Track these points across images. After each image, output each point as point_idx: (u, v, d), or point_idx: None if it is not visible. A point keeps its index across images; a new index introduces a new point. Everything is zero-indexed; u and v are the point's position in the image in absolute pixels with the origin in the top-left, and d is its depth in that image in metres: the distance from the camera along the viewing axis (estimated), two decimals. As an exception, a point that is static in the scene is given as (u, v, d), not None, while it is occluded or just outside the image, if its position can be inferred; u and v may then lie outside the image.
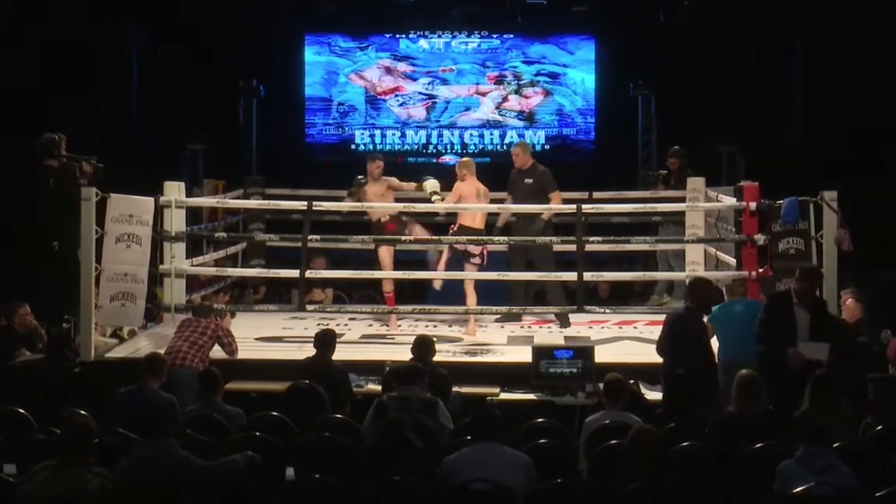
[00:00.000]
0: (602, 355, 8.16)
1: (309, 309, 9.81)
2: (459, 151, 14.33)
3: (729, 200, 9.73)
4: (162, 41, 13.47)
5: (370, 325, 9.98)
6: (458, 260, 9.66)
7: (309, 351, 7.88)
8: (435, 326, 9.88)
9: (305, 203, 9.64)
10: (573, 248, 9.38)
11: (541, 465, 5.59)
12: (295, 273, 9.39)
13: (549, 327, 9.91)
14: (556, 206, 9.87)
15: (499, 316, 9.96)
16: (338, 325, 9.60)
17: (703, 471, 5.63)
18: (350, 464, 5.84)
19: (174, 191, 9.61)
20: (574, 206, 9.49)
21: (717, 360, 7.51)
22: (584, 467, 6.16)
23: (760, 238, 9.11)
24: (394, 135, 14.77)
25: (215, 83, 13.67)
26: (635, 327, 9.90)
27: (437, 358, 7.69)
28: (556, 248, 10.06)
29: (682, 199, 10.45)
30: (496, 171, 10.67)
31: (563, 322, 9.82)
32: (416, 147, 14.73)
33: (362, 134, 14.79)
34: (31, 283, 8.95)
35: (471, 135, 14.73)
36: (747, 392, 6.32)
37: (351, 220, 10.90)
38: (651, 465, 5.34)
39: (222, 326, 8.44)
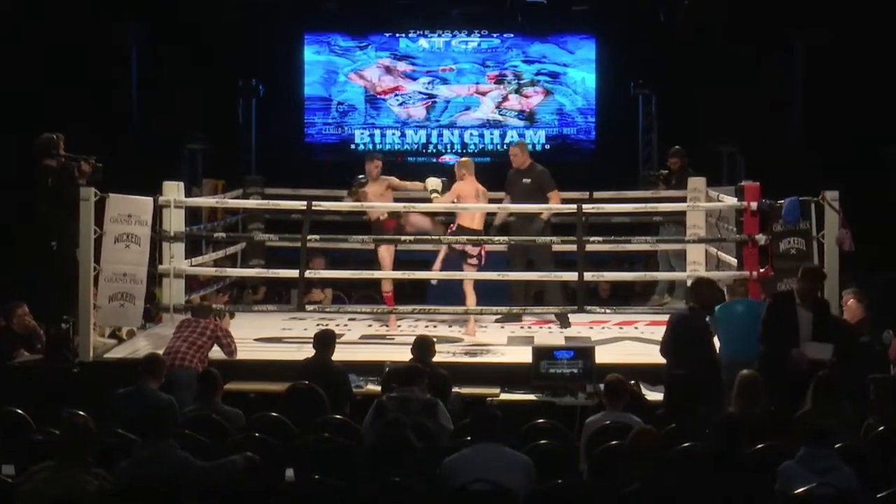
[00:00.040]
0: (602, 356, 8.14)
1: (308, 309, 9.79)
2: (459, 151, 14.31)
3: (730, 200, 9.71)
4: (161, 41, 13.46)
5: (370, 326, 9.96)
6: (457, 260, 9.64)
7: (308, 351, 7.87)
8: (435, 327, 9.87)
9: (305, 203, 9.62)
10: (574, 248, 9.36)
11: (541, 466, 5.58)
12: (294, 273, 9.37)
13: (550, 328, 9.89)
14: (554, 205, 9.85)
15: (499, 316, 9.95)
16: (337, 325, 9.58)
17: (703, 472, 5.61)
18: (350, 465, 5.82)
19: (173, 191, 9.59)
20: (574, 206, 9.47)
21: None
22: (584, 468, 6.15)
23: (761, 238, 9.09)
24: (393, 134, 14.76)
25: (215, 83, 13.66)
26: (636, 327, 9.88)
27: (436, 358, 7.67)
28: (557, 248, 10.05)
29: (683, 199, 10.44)
30: (496, 170, 10.65)
31: (563, 322, 9.81)
32: (415, 147, 14.71)
33: (362, 133, 14.78)
34: (30, 283, 8.93)
35: (471, 134, 14.71)
36: (748, 392, 6.32)
37: (350, 220, 10.89)
38: (652, 465, 5.32)
39: (221, 327, 8.43)
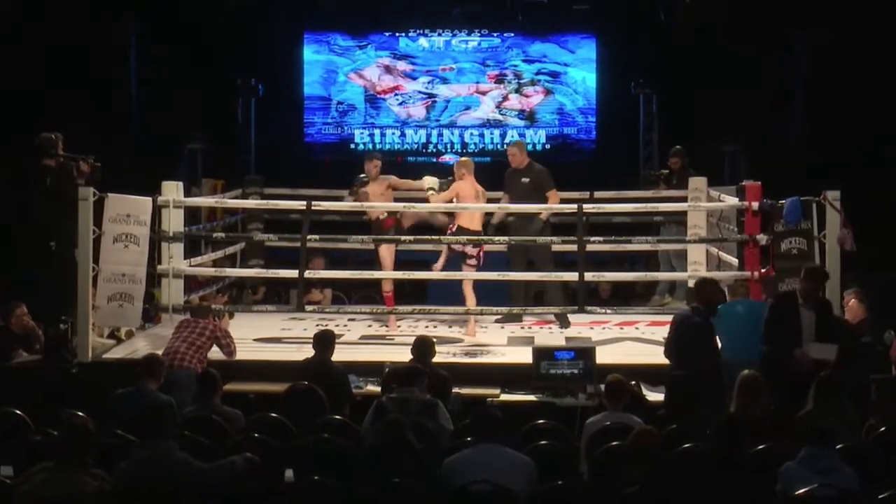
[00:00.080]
0: (603, 356, 8.12)
1: (308, 309, 9.77)
2: (459, 151, 14.30)
3: (731, 200, 9.69)
4: (161, 40, 13.45)
5: (369, 326, 9.94)
6: (456, 260, 9.62)
7: (308, 352, 7.85)
8: (435, 327, 9.85)
9: (304, 203, 9.60)
10: (574, 248, 9.34)
11: (541, 467, 5.57)
12: (294, 273, 9.35)
13: (550, 328, 9.87)
14: (554, 205, 9.83)
15: (499, 317, 9.92)
16: (337, 325, 9.56)
17: (704, 472, 5.58)
18: (349, 465, 5.81)
19: (172, 190, 9.57)
20: (575, 206, 9.44)
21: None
22: (584, 469, 6.13)
23: (763, 238, 9.08)
24: (393, 134, 14.74)
25: (214, 82, 13.65)
26: (637, 328, 9.86)
27: (436, 359, 7.66)
28: (558, 248, 10.04)
29: (684, 199, 10.42)
30: (497, 170, 10.62)
31: (563, 322, 9.78)
32: (415, 146, 14.69)
33: (361, 133, 14.76)
34: (29, 283, 8.91)
35: (471, 134, 14.69)
36: (749, 393, 6.31)
37: (350, 220, 10.87)
38: (652, 466, 5.30)
39: (220, 327, 8.41)
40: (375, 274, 10.04)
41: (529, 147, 13.75)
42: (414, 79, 14.73)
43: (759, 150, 12.60)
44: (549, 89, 14.68)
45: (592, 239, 9.52)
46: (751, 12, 13.06)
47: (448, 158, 14.03)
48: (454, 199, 9.53)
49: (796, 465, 5.36)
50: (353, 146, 14.65)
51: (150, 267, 9.08)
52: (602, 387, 6.98)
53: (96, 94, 12.45)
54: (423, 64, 14.72)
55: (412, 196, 10.09)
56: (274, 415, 6.56)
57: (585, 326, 9.79)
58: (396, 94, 14.75)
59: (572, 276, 9.34)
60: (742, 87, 13.01)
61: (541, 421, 6.59)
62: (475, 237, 9.45)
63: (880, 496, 5.20)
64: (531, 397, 7.86)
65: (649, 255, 11.63)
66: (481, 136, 14.69)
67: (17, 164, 9.35)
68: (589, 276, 9.34)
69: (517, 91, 14.69)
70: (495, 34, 14.66)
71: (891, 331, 8.23)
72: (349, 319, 10.09)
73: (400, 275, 9.97)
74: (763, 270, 9.06)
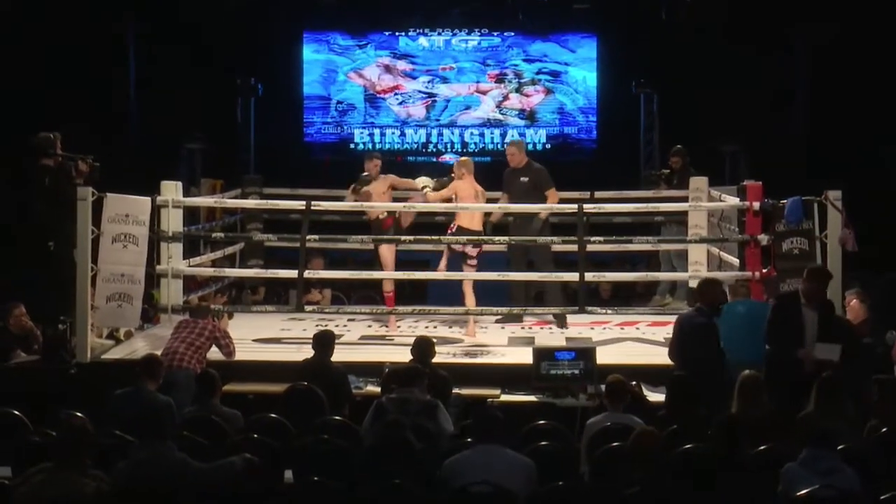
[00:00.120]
0: (604, 356, 8.10)
1: (307, 310, 9.74)
2: (459, 150, 14.30)
3: (732, 200, 9.67)
4: (160, 40, 13.44)
5: (369, 326, 9.92)
6: (456, 260, 9.59)
7: (307, 352, 7.83)
8: (435, 327, 9.82)
9: (304, 203, 9.57)
10: (575, 248, 9.31)
11: (542, 468, 5.55)
12: (293, 274, 9.33)
13: (550, 328, 9.84)
14: (553, 205, 9.80)
15: (499, 317, 9.90)
16: (336, 326, 9.54)
17: (705, 473, 5.56)
18: (349, 466, 5.80)
19: (171, 190, 9.54)
20: (576, 206, 9.42)
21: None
22: (585, 470, 6.11)
23: (764, 238, 9.05)
24: (393, 134, 14.73)
25: (213, 82, 13.64)
26: (637, 328, 9.84)
27: (436, 359, 7.64)
28: (558, 248, 10.02)
29: (685, 199, 10.40)
30: (497, 170, 10.60)
31: (560, 322, 9.75)
32: (415, 146, 14.68)
33: (361, 133, 14.74)
34: (29, 283, 8.89)
35: (471, 134, 14.68)
36: (749, 393, 6.29)
37: (350, 220, 10.85)
38: (653, 467, 5.28)
39: (219, 328, 8.39)
40: (375, 274, 10.02)
41: (530, 147, 13.79)
42: (414, 78, 14.72)
43: (760, 150, 12.58)
44: (550, 89, 14.66)
45: (593, 239, 9.50)
46: (752, 11, 13.06)
47: (448, 158, 14.02)
48: (453, 199, 9.50)
49: (797, 466, 5.34)
50: (352, 146, 14.64)
51: (149, 267, 9.06)
52: (602, 387, 6.96)
53: (96, 94, 12.47)
54: (423, 63, 14.70)
55: (410, 196, 10.06)
56: (273, 415, 6.54)
57: (586, 327, 9.77)
58: (396, 94, 14.73)
59: (573, 277, 9.31)
60: (743, 86, 13.00)
61: (541, 422, 6.57)
62: (475, 237, 9.43)
63: (882, 497, 5.18)
64: (531, 398, 7.84)
65: (650, 256, 11.61)
66: (481, 135, 14.67)
67: (16, 165, 9.33)
68: (589, 276, 9.32)
69: (517, 90, 14.67)
70: (495, 33, 14.65)
71: (892, 331, 8.21)
72: (349, 320, 10.07)
73: (400, 275, 9.95)
74: (764, 271, 9.04)
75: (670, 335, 7.80)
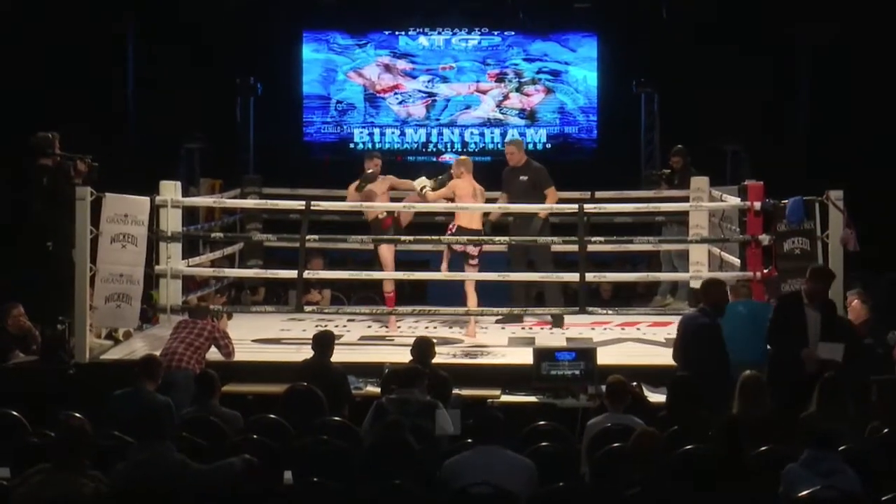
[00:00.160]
0: (604, 357, 8.08)
1: (307, 310, 9.72)
2: (459, 150, 14.28)
3: (733, 200, 9.64)
4: (159, 40, 13.43)
5: (369, 327, 9.90)
6: (457, 261, 9.57)
7: (307, 353, 7.82)
8: (435, 328, 9.81)
9: (303, 203, 9.55)
10: (575, 248, 9.29)
11: (542, 469, 5.54)
12: (292, 274, 9.31)
13: (551, 329, 9.82)
14: (553, 204, 9.78)
15: (499, 317, 9.88)
16: (336, 326, 9.53)
17: (705, 474, 5.54)
18: (349, 467, 5.79)
19: (170, 190, 9.51)
20: (576, 206, 9.40)
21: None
22: (586, 470, 6.10)
23: (765, 238, 9.03)
24: (393, 133, 14.71)
25: (213, 81, 13.63)
26: (638, 328, 9.82)
27: (436, 360, 7.62)
28: (559, 248, 9.99)
29: (686, 199, 10.38)
30: (497, 170, 10.57)
31: (556, 322, 9.72)
32: (415, 146, 14.66)
33: (361, 132, 14.72)
34: (27, 283, 8.87)
35: (471, 133, 14.66)
36: (750, 393, 6.27)
37: (349, 220, 10.83)
38: (654, 468, 5.26)
39: (218, 328, 8.37)
40: (374, 274, 10.00)
41: (530, 147, 13.77)
42: (414, 77, 14.70)
43: (761, 150, 12.57)
44: (550, 88, 14.64)
45: (594, 239, 9.47)
46: (753, 10, 13.05)
47: (448, 158, 14.00)
48: (452, 198, 9.48)
49: (799, 467, 5.32)
50: (352, 145, 14.62)
51: (147, 267, 9.04)
52: (603, 388, 6.93)
53: (96, 94, 12.46)
54: (423, 62, 14.68)
55: (407, 196, 10.03)
56: (273, 416, 6.52)
57: (586, 327, 9.75)
58: (396, 93, 14.71)
59: (573, 277, 9.29)
60: (744, 86, 12.99)
61: (541, 422, 6.55)
62: (476, 237, 9.40)
63: (883, 498, 5.17)
64: (532, 398, 7.81)
65: (651, 256, 11.59)
66: (482, 135, 14.65)
67: (16, 164, 9.31)
68: (590, 276, 9.29)
69: (518, 90, 14.65)
70: (496, 33, 14.63)
71: (894, 332, 8.21)
72: (348, 320, 10.05)
73: (400, 275, 9.93)
74: (765, 271, 9.02)
75: (671, 336, 7.78)
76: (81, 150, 8.85)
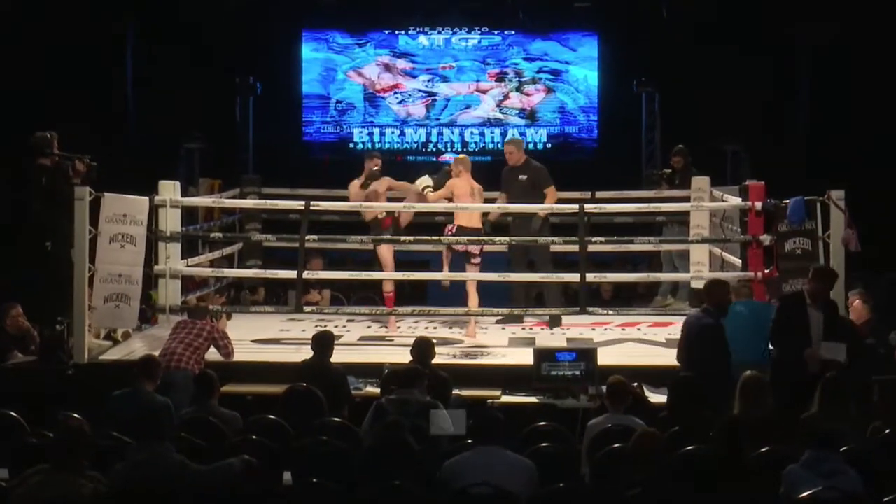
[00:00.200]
0: (605, 357, 8.06)
1: (306, 310, 9.70)
2: (459, 150, 14.28)
3: (734, 200, 9.63)
4: (159, 39, 13.43)
5: (369, 327, 9.89)
6: (459, 261, 9.55)
7: (306, 353, 7.80)
8: (435, 328, 9.79)
9: (303, 202, 9.53)
10: (576, 248, 9.27)
11: (542, 469, 5.53)
12: (292, 274, 9.29)
13: (551, 329, 9.80)
14: (553, 204, 9.76)
15: (500, 317, 9.86)
16: (336, 326, 9.51)
17: (706, 475, 5.53)
18: (348, 468, 5.78)
19: (169, 190, 9.49)
20: (577, 206, 9.38)
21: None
22: (586, 471, 6.09)
23: (766, 238, 9.01)
24: (393, 133, 14.69)
25: (212, 81, 13.62)
26: (639, 329, 9.80)
27: (436, 360, 7.60)
28: (559, 248, 9.97)
29: (687, 199, 10.37)
30: (497, 169, 10.56)
31: (554, 322, 9.70)
32: (415, 145, 14.65)
33: (361, 132, 14.71)
34: (26, 283, 8.85)
35: (471, 133, 14.65)
36: (751, 394, 6.25)
37: (349, 220, 10.81)
38: (654, 469, 5.24)
39: (218, 328, 8.36)
40: (374, 275, 9.99)
41: (531, 146, 13.77)
42: (414, 77, 14.68)
43: (761, 150, 12.56)
44: (551, 88, 14.63)
45: (594, 239, 9.45)
46: (754, 10, 13.04)
47: (448, 157, 13.97)
48: (451, 196, 9.46)
49: (800, 468, 5.31)
50: (352, 145, 14.61)
51: (146, 267, 9.02)
52: (604, 388, 6.92)
53: (95, 94, 12.46)
54: (423, 62, 14.67)
55: (405, 196, 10.02)
56: (272, 416, 6.50)
57: (587, 327, 9.73)
58: (396, 93, 14.70)
59: (574, 277, 9.27)
60: (744, 85, 12.98)
61: (542, 423, 6.54)
62: (476, 236, 9.38)
63: (885, 499, 5.15)
64: (532, 399, 7.80)
65: (652, 256, 11.57)
66: (482, 134, 14.64)
67: (16, 164, 9.30)
68: (591, 276, 9.27)
69: (518, 89, 14.64)
70: (496, 32, 14.62)
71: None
72: (348, 320, 10.04)
73: (400, 275, 9.92)
74: (767, 271, 9.00)
75: (672, 336, 7.77)
76: (81, 150, 8.84)
